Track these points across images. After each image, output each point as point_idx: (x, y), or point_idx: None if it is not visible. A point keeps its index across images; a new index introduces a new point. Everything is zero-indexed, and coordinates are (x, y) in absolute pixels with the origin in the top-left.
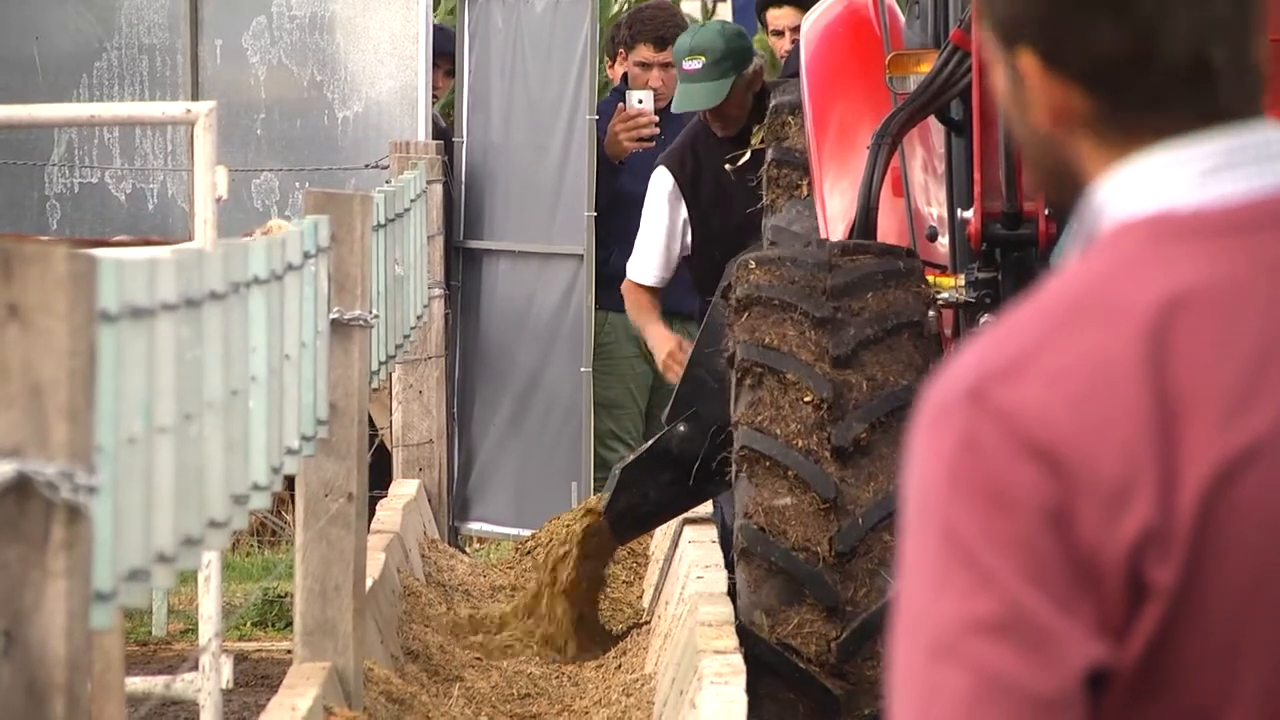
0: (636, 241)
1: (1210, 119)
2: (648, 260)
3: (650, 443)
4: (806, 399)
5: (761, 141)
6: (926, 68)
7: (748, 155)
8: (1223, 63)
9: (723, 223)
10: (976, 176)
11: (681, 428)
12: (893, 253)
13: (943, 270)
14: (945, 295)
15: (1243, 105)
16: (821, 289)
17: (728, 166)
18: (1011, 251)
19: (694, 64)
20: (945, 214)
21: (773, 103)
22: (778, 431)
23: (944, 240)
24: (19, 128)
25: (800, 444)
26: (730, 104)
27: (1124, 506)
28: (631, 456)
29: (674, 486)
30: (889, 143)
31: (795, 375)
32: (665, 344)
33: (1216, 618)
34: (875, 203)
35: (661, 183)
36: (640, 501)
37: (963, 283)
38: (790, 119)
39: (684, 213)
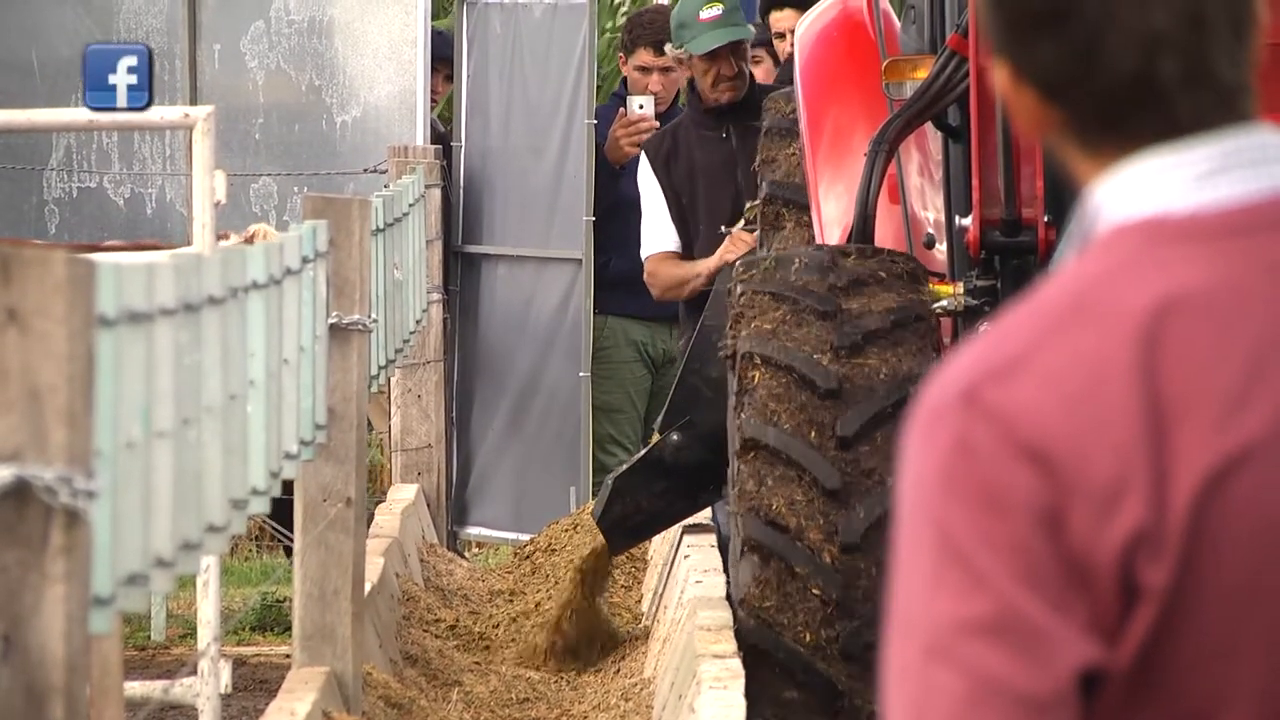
0: (643, 226)
1: (1169, 132)
2: (659, 231)
3: (643, 452)
4: (815, 590)
5: (752, 207)
6: (923, 73)
7: (742, 222)
8: (1173, 77)
9: (690, 203)
10: (975, 183)
11: (675, 436)
12: (902, 325)
13: (941, 278)
14: (944, 303)
15: (1213, 116)
16: (830, 430)
17: (722, 229)
18: (1011, 259)
19: (714, 11)
20: (943, 220)
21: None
22: (784, 622)
23: (942, 247)
24: (17, 132)
25: (808, 639)
26: (744, 56)
27: (1116, 508)
28: (624, 466)
29: (668, 496)
30: (886, 149)
31: (803, 569)
32: (717, 255)
33: (1211, 619)
34: (872, 210)
35: (643, 163)
36: (634, 511)
37: (961, 290)
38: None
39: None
